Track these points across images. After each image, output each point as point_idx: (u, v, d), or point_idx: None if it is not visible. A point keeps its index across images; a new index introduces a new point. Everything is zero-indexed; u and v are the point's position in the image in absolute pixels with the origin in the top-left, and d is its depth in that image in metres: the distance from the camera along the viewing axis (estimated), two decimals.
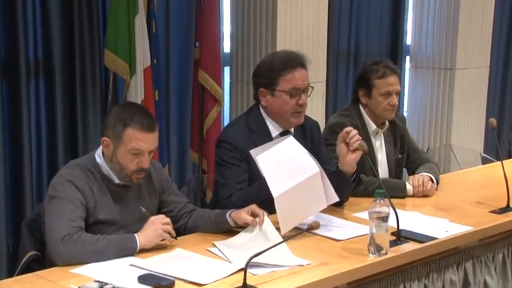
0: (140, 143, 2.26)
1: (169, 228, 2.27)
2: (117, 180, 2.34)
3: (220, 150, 2.62)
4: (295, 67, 2.60)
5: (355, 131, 2.59)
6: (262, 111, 2.69)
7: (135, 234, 2.22)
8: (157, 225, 2.24)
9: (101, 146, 2.35)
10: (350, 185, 2.66)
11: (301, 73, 2.62)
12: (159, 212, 2.46)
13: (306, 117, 2.74)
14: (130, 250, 2.19)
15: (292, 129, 2.72)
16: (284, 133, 2.67)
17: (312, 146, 2.76)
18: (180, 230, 2.46)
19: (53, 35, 3.50)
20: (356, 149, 2.56)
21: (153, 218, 2.27)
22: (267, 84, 2.62)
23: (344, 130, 2.60)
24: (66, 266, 2.11)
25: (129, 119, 2.27)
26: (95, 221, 2.28)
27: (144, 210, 2.34)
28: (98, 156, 2.35)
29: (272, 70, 2.61)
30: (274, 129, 2.67)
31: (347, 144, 2.57)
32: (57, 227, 2.17)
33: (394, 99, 3.04)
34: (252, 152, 2.48)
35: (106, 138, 2.30)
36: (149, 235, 2.22)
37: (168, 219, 2.29)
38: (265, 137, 2.63)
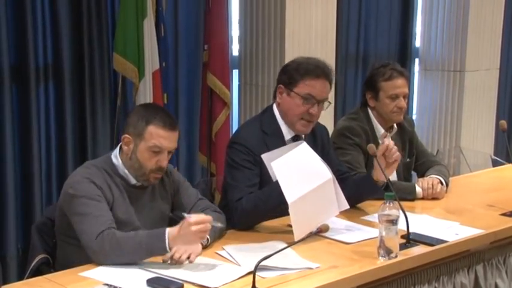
0: (161, 140, 2.28)
1: (206, 234, 2.16)
2: (133, 181, 2.35)
3: (232, 152, 2.61)
4: (320, 77, 2.59)
5: (392, 144, 2.60)
6: (276, 113, 2.68)
7: (166, 233, 2.11)
8: (193, 236, 2.10)
9: (117, 148, 2.37)
10: (380, 193, 2.61)
11: (323, 84, 2.60)
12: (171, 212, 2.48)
13: (316, 122, 2.73)
14: (159, 250, 2.12)
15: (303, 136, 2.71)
16: (296, 137, 2.67)
17: (323, 150, 2.75)
18: None
19: (62, 38, 3.52)
20: (394, 161, 2.58)
21: (192, 222, 2.09)
22: (288, 83, 2.62)
23: (384, 144, 2.59)
24: (103, 265, 2.11)
25: (152, 117, 2.29)
26: None
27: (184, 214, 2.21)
28: (115, 157, 2.36)
29: (297, 71, 2.61)
30: (287, 133, 2.66)
31: (385, 157, 2.57)
32: (87, 228, 2.16)
33: (402, 102, 3.03)
34: (264, 157, 2.48)
35: (127, 136, 2.32)
36: (181, 241, 2.10)
37: (207, 226, 2.12)
38: (279, 140, 2.62)
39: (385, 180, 2.59)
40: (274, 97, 2.69)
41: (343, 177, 2.69)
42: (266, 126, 2.66)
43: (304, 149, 2.45)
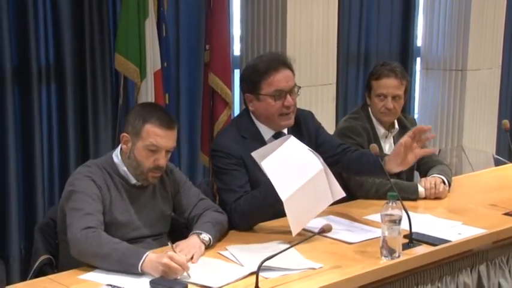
0: (158, 139, 2.29)
1: (173, 275, 2.02)
2: (133, 180, 2.35)
3: (216, 159, 2.61)
4: (278, 69, 2.56)
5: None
6: (252, 115, 2.67)
7: (145, 254, 2.05)
8: (160, 267, 2.01)
9: (119, 147, 2.38)
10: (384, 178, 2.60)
11: (284, 74, 2.57)
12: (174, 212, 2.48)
13: (298, 109, 2.70)
14: (131, 267, 2.05)
15: (285, 130, 2.68)
16: (277, 135, 2.65)
17: (310, 136, 2.73)
18: None
19: (64, 39, 3.52)
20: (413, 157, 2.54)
21: (170, 255, 2.02)
22: (251, 89, 2.61)
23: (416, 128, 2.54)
24: (81, 261, 2.12)
25: (149, 116, 2.30)
26: (109, 220, 2.28)
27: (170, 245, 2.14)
28: (116, 156, 2.37)
29: (255, 75, 2.59)
30: (266, 133, 2.65)
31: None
32: (75, 221, 2.17)
33: (389, 103, 3.01)
34: (254, 155, 2.47)
35: (125, 134, 2.33)
36: (151, 267, 2.03)
37: (179, 267, 2.01)
38: (258, 142, 2.60)
39: (396, 171, 2.57)
40: (246, 106, 2.68)
41: (349, 150, 2.70)
42: (243, 131, 2.64)
43: (292, 143, 2.44)
